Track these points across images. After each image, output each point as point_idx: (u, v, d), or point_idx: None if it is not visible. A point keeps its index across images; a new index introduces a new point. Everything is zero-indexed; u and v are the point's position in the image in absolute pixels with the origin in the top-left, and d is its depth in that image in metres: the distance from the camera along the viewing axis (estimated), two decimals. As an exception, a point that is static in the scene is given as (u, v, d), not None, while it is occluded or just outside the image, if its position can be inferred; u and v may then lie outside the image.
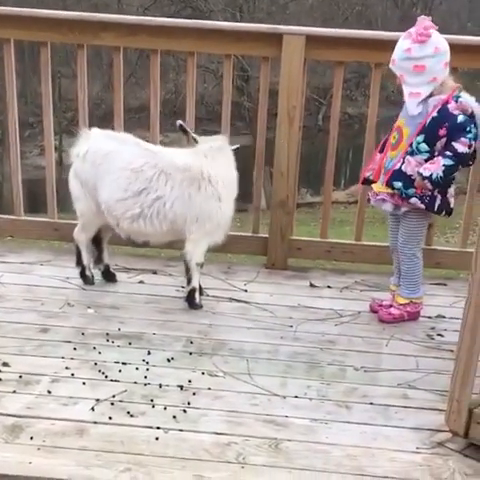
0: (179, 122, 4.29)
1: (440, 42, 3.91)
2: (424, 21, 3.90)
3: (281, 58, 4.67)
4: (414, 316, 4.31)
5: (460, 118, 3.90)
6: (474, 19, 27.45)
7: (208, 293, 4.50)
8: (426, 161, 3.97)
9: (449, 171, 3.91)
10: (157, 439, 3.05)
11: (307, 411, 3.33)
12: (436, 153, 3.96)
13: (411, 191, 4.01)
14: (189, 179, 4.15)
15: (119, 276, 4.68)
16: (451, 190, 4.07)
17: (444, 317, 4.36)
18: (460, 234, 5.15)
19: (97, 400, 3.30)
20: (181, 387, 3.46)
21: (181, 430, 3.13)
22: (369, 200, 4.38)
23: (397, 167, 4.03)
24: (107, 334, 3.94)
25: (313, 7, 26.98)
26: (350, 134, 20.77)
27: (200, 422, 3.20)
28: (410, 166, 4.00)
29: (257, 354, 3.83)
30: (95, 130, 4.41)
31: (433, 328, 4.24)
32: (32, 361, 3.64)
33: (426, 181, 3.92)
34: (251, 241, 5.12)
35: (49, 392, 3.35)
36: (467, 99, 3.95)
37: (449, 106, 3.92)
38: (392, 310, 4.29)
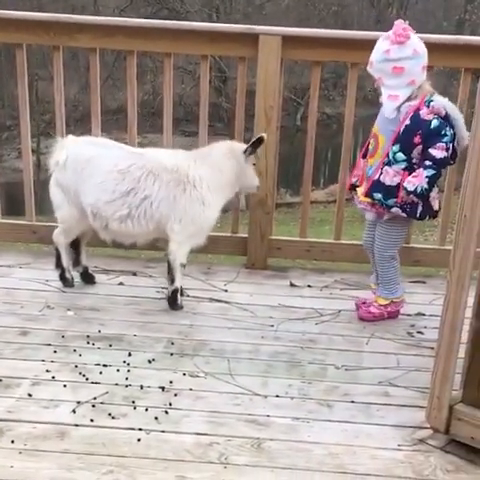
0: (263, 135, 4.30)
1: (418, 44, 3.92)
2: (402, 23, 3.90)
3: (258, 58, 4.67)
4: (394, 314, 4.33)
5: (433, 123, 3.89)
6: (449, 18, 27.61)
7: (188, 294, 4.49)
8: (404, 170, 3.97)
9: (433, 180, 3.92)
10: (139, 441, 3.04)
11: (289, 410, 3.33)
12: (413, 160, 3.96)
13: (391, 201, 4.01)
14: (175, 180, 4.16)
15: (99, 278, 4.66)
16: (433, 193, 4.02)
17: (424, 315, 4.38)
18: (439, 232, 5.18)
19: (78, 402, 3.29)
20: (162, 388, 3.45)
21: (163, 431, 3.12)
22: (353, 198, 4.37)
23: (376, 178, 4.03)
24: (87, 336, 3.93)
25: (289, 7, 27.02)
26: (328, 134, 20.82)
27: (182, 423, 3.19)
28: (388, 176, 3.99)
29: (238, 354, 3.84)
30: (71, 137, 4.42)
31: (413, 326, 4.26)
32: (12, 364, 3.62)
33: (411, 195, 3.93)
34: (231, 241, 5.12)
35: (30, 395, 3.34)
36: (439, 101, 3.94)
37: (421, 112, 3.91)
38: (372, 309, 4.30)
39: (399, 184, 3.96)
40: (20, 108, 4.99)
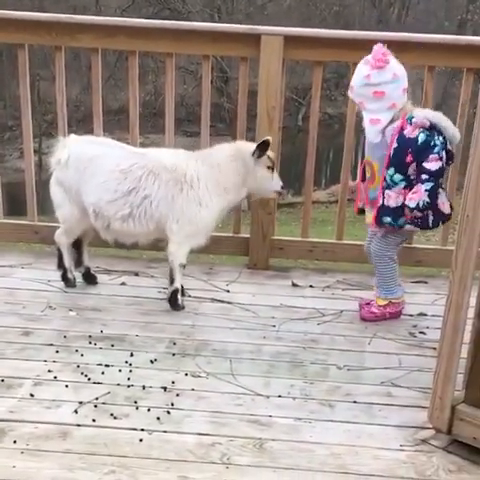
0: (268, 139, 4.24)
1: (398, 68, 3.94)
2: (381, 48, 3.93)
3: (260, 58, 4.67)
4: (396, 315, 4.33)
5: (420, 137, 3.90)
6: (451, 18, 27.57)
7: (190, 294, 4.49)
8: (405, 188, 3.99)
9: (433, 192, 3.92)
10: (141, 441, 3.04)
11: (291, 410, 3.33)
12: (411, 177, 3.98)
13: (401, 221, 4.05)
14: (174, 180, 4.16)
15: (101, 278, 4.66)
16: (440, 199, 4.01)
17: (426, 315, 4.38)
18: (441, 232, 5.17)
19: (80, 403, 3.29)
20: (164, 388, 3.45)
21: (165, 431, 3.12)
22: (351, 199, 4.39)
23: (380, 203, 4.06)
24: (89, 336, 3.93)
25: (291, 8, 27.00)
26: (330, 134, 20.79)
27: (184, 423, 3.20)
28: (392, 199, 4.02)
29: (240, 354, 3.84)
30: (73, 136, 4.42)
31: (415, 326, 4.26)
32: (14, 364, 3.62)
33: (415, 211, 3.94)
34: (233, 241, 5.12)
35: (32, 395, 3.34)
36: (420, 115, 3.94)
37: (405, 132, 3.93)
38: (373, 309, 4.30)
39: (403, 203, 3.99)
40: (22, 108, 4.99)
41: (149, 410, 3.27)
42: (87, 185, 4.22)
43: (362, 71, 3.95)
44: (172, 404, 3.32)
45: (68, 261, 4.52)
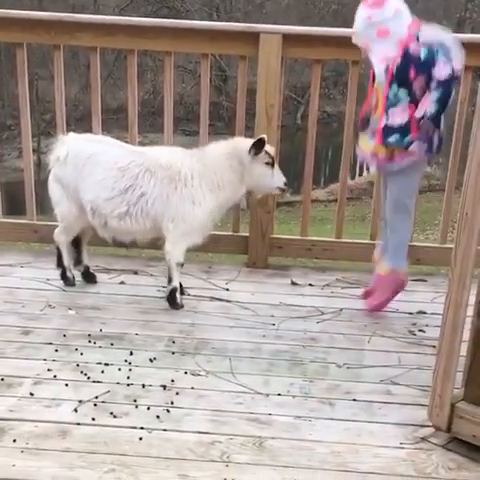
0: (263, 137, 4.21)
1: (398, 4, 3.87)
2: None
3: (258, 57, 4.67)
4: (397, 289, 4.28)
5: (423, 52, 3.82)
6: (450, 17, 27.57)
7: (189, 292, 4.50)
8: (410, 103, 3.90)
9: (443, 100, 3.81)
10: (141, 439, 3.04)
11: (290, 408, 3.33)
12: (417, 92, 3.88)
13: (408, 139, 3.94)
14: (168, 178, 4.16)
15: (100, 277, 4.67)
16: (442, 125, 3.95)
17: (425, 313, 4.39)
18: (440, 231, 5.18)
19: (80, 401, 3.29)
20: (164, 387, 3.45)
21: (165, 430, 3.12)
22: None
23: (383, 125, 3.97)
24: (89, 335, 3.93)
25: (289, 6, 26.95)
26: (329, 132, 20.76)
27: (184, 421, 3.20)
28: (397, 116, 3.93)
29: (240, 353, 3.84)
30: (71, 134, 4.43)
31: (414, 324, 4.26)
32: (14, 363, 3.62)
33: (422, 121, 3.86)
34: (232, 240, 5.12)
35: (31, 394, 3.34)
36: (427, 35, 3.87)
37: (410, 48, 3.85)
38: (377, 295, 4.29)
39: (410, 120, 3.91)
40: (20, 107, 4.99)
41: (149, 408, 3.27)
42: (85, 182, 4.23)
43: (362, 14, 3.89)
44: (172, 402, 3.32)
45: (67, 260, 4.52)
